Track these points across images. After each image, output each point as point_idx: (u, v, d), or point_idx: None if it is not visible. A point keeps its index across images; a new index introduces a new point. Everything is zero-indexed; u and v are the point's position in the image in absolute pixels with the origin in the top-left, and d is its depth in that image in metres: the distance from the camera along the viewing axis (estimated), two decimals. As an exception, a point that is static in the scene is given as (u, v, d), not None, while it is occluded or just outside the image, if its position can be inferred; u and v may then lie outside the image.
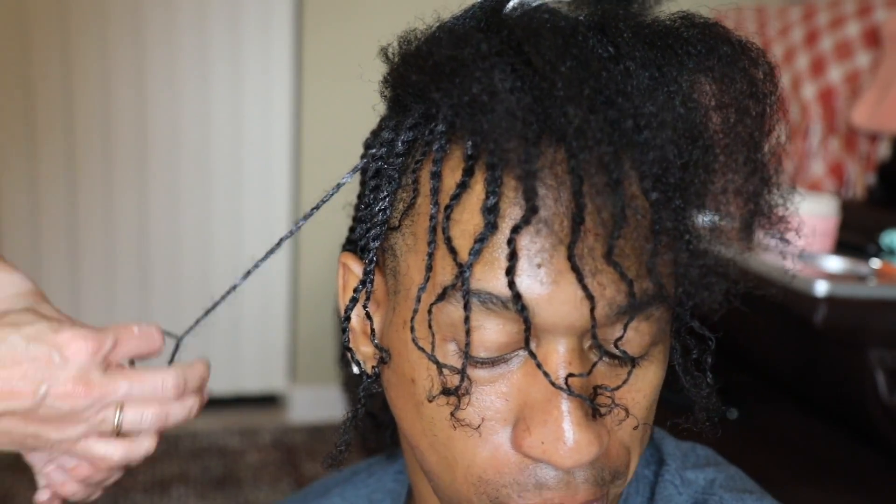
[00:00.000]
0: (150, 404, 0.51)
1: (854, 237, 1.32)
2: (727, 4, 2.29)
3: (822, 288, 1.08)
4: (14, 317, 0.48)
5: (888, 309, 1.09)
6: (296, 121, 2.37)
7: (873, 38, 1.87)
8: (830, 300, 1.08)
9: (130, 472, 2.07)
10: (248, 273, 0.54)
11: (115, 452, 0.51)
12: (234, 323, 2.43)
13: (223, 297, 0.55)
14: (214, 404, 2.45)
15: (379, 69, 0.49)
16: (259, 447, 2.28)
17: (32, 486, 0.54)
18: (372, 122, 0.52)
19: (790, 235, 0.43)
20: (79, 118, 2.22)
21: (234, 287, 0.55)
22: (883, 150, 1.82)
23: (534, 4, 0.46)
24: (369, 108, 0.52)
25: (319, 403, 2.47)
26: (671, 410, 0.50)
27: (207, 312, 0.56)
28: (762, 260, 1.12)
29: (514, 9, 0.46)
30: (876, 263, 1.23)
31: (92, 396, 0.48)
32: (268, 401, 2.55)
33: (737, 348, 1.25)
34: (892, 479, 1.13)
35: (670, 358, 0.48)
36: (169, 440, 2.25)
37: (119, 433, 0.50)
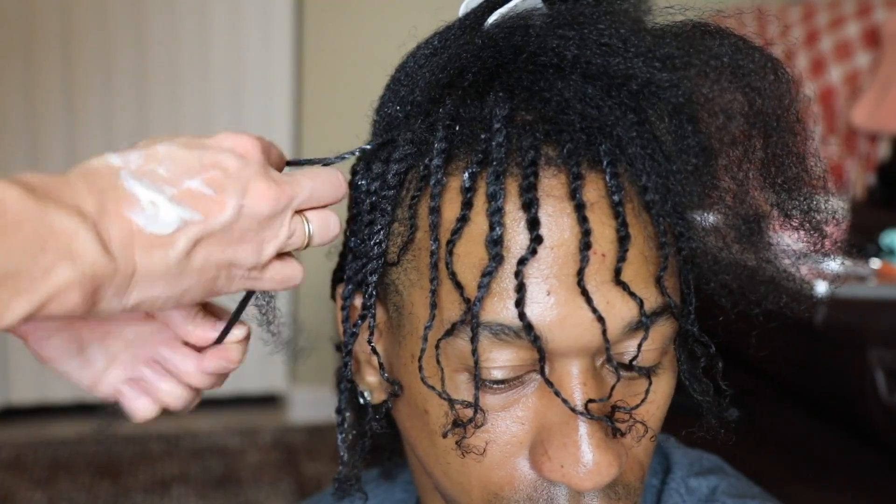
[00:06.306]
0: (325, 210, 0.43)
1: (854, 237, 1.32)
2: (727, 4, 2.29)
3: (822, 288, 1.08)
4: (154, 139, 0.40)
5: (888, 309, 1.09)
6: (296, 120, 2.37)
7: (873, 39, 1.87)
8: (830, 300, 1.08)
9: (131, 472, 2.07)
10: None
11: (298, 271, 0.43)
12: (234, 323, 2.43)
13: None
14: (214, 404, 2.45)
15: (380, 68, 0.49)
16: (259, 447, 2.28)
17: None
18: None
19: (830, 248, 0.43)
20: (80, 127, 2.22)
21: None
22: (883, 150, 1.82)
23: (510, 17, 0.45)
24: (369, 106, 0.51)
25: (319, 403, 2.47)
26: (684, 415, 0.50)
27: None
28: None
29: (495, 25, 0.45)
30: (876, 263, 1.23)
31: (286, 195, 0.40)
32: (268, 401, 2.55)
33: (736, 348, 1.25)
34: (892, 479, 1.13)
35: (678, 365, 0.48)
36: (169, 440, 2.24)
37: (308, 245, 0.43)
